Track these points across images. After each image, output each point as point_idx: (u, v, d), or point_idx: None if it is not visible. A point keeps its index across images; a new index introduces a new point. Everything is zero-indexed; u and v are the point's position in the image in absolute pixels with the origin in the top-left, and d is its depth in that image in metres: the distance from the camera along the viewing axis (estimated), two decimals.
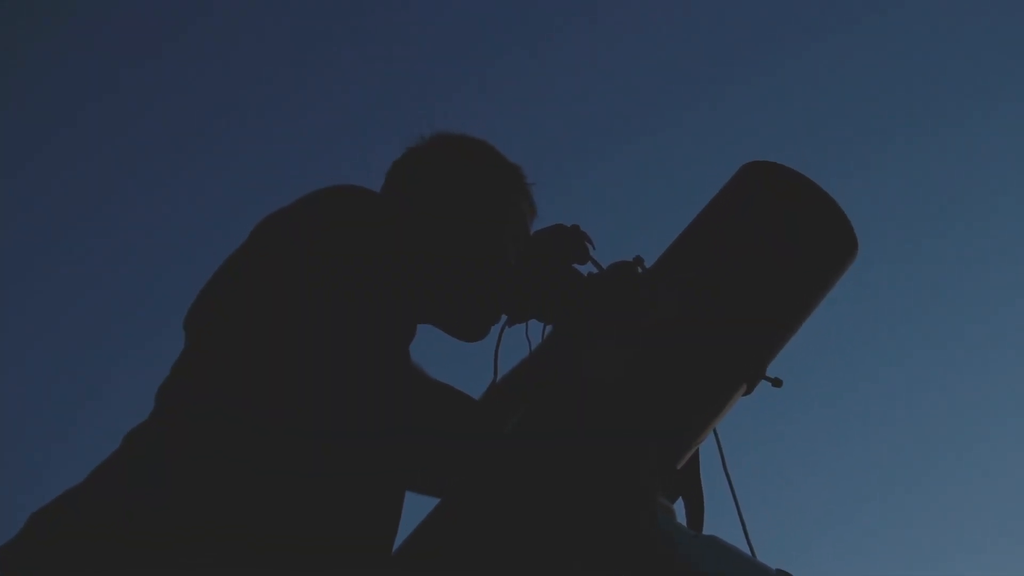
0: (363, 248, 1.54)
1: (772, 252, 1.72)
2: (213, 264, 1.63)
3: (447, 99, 5.57)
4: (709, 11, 5.78)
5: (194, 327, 1.60)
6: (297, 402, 1.47)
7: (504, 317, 1.81)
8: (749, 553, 1.65)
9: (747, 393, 1.73)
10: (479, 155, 1.90)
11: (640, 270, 1.73)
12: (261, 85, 5.73)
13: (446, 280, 1.57)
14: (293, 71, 5.71)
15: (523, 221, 1.88)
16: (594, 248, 1.80)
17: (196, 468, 1.41)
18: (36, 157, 5.50)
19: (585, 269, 1.77)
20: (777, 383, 1.72)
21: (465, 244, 1.77)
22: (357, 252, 1.53)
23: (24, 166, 5.50)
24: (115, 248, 5.64)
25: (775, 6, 5.74)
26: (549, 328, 1.82)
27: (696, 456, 1.77)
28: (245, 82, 5.71)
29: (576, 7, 5.79)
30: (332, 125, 5.74)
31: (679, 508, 1.70)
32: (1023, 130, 5.64)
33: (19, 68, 5.36)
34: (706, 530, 1.73)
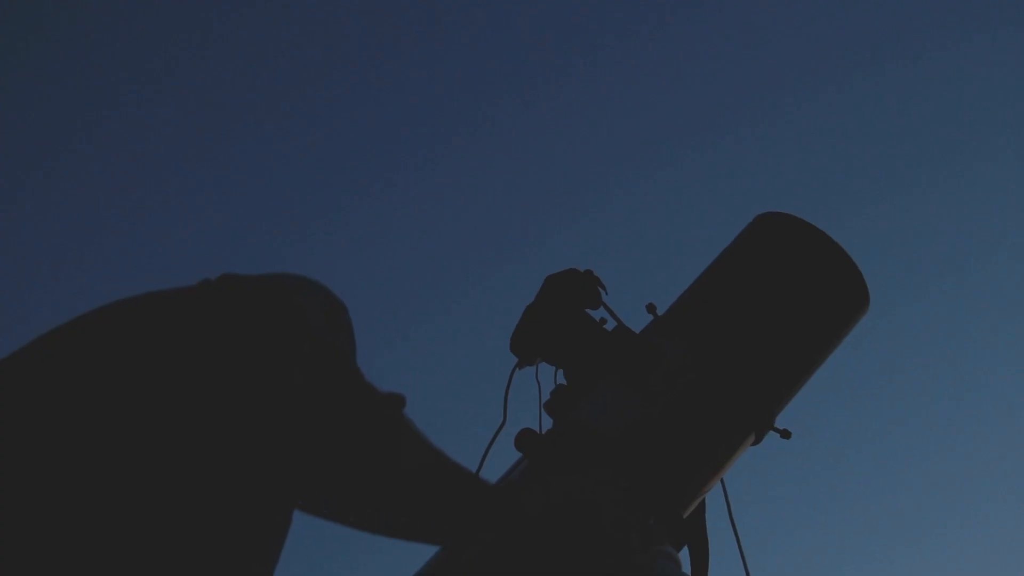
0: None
1: (783, 304, 1.73)
2: None
3: (458, 136, 5.62)
4: (726, 58, 5.83)
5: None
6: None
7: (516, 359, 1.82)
8: None
9: (755, 443, 1.73)
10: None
11: (653, 317, 1.75)
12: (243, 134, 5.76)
13: None
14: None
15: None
16: (607, 293, 1.81)
17: None
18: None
19: (598, 314, 1.78)
20: (786, 435, 1.73)
21: None
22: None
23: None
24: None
25: (787, 55, 5.78)
26: (560, 372, 1.82)
27: (703, 505, 1.77)
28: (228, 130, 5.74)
29: (595, 46, 5.83)
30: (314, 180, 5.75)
31: (684, 556, 1.70)
32: None
33: None
34: None
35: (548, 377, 1.83)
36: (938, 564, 5.62)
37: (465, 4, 5.80)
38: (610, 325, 1.78)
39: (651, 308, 1.75)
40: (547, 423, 1.76)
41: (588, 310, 1.78)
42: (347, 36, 5.78)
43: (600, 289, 1.80)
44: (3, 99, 5.46)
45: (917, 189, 5.72)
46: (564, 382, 1.82)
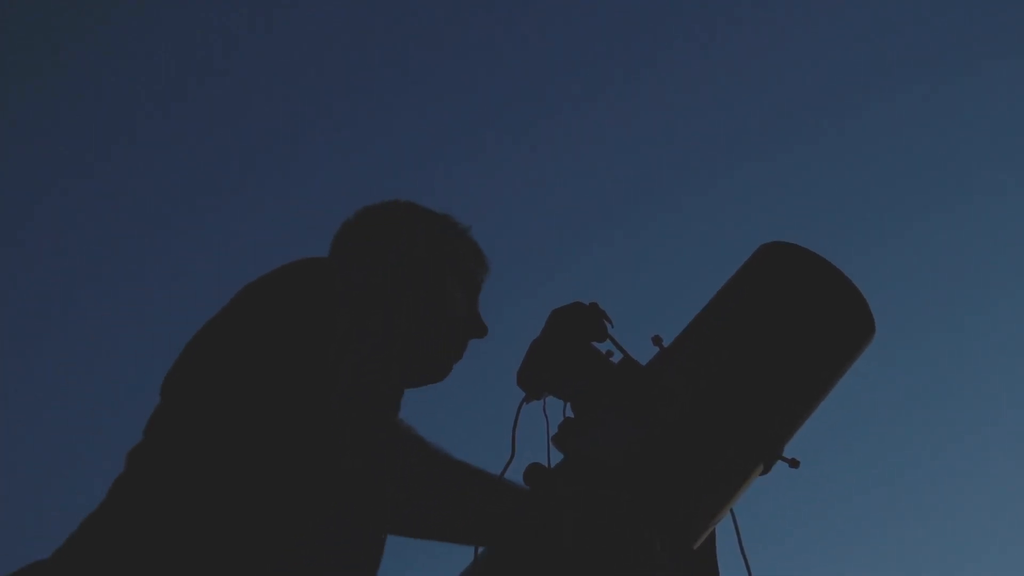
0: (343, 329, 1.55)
1: (789, 333, 1.73)
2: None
3: (461, 171, 5.63)
4: (730, 85, 5.85)
5: (171, 395, 1.61)
6: (257, 523, 1.48)
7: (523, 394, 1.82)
8: None
9: (764, 473, 1.73)
10: (404, 216, 1.94)
11: (659, 349, 1.75)
12: (253, 156, 5.79)
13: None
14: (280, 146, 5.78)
15: (465, 264, 1.93)
16: (612, 326, 1.81)
17: None
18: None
19: (604, 347, 1.79)
20: (794, 464, 1.73)
21: (419, 303, 1.82)
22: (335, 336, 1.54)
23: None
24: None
25: (792, 85, 5.81)
26: (567, 406, 1.82)
27: (713, 536, 1.76)
28: (238, 153, 5.78)
29: (601, 80, 5.86)
30: (321, 201, 5.78)
31: None
32: None
33: None
34: None
35: (556, 411, 1.83)
36: None
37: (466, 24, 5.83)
38: (616, 357, 1.78)
39: (656, 340, 1.75)
40: (556, 456, 1.76)
41: (594, 343, 1.79)
42: (346, 36, 5.82)
43: (605, 322, 1.80)
44: (59, 96, 5.53)
45: (924, 214, 5.73)
46: (572, 415, 1.82)
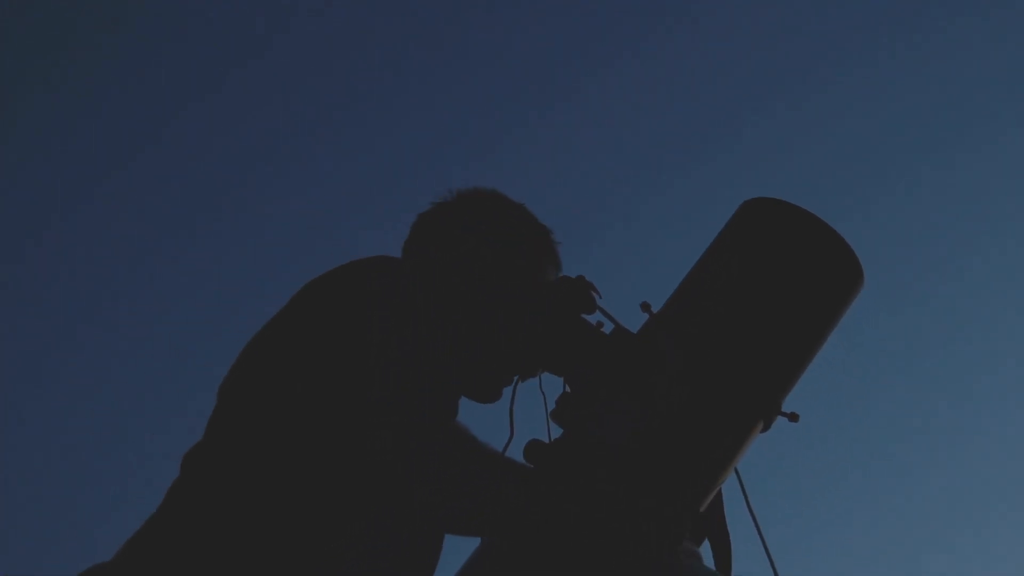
0: (403, 332, 1.53)
1: (777, 288, 1.73)
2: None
3: (442, 145, 5.62)
4: (710, 49, 5.83)
5: (226, 398, 1.62)
6: (312, 525, 1.49)
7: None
8: None
9: (764, 430, 1.73)
10: (512, 217, 1.86)
11: (649, 315, 1.74)
12: (270, 156, 5.79)
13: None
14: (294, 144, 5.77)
15: (547, 285, 1.84)
16: (601, 297, 1.81)
17: None
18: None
19: (594, 318, 1.78)
20: (794, 418, 1.73)
21: (490, 315, 1.76)
22: (397, 337, 1.52)
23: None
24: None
25: (769, 46, 5.79)
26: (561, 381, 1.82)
27: (719, 497, 1.76)
28: (256, 155, 5.78)
29: (581, 62, 5.84)
30: (337, 198, 5.77)
31: (706, 551, 1.70)
32: None
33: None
34: (735, 570, 1.73)
35: (552, 387, 1.83)
36: (966, 522, 5.59)
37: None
38: (608, 328, 1.78)
39: (645, 306, 1.75)
40: (556, 432, 1.76)
41: (584, 315, 1.78)
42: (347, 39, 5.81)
43: (593, 293, 1.80)
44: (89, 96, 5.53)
45: (916, 177, 5.71)
46: (569, 389, 1.82)
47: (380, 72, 5.76)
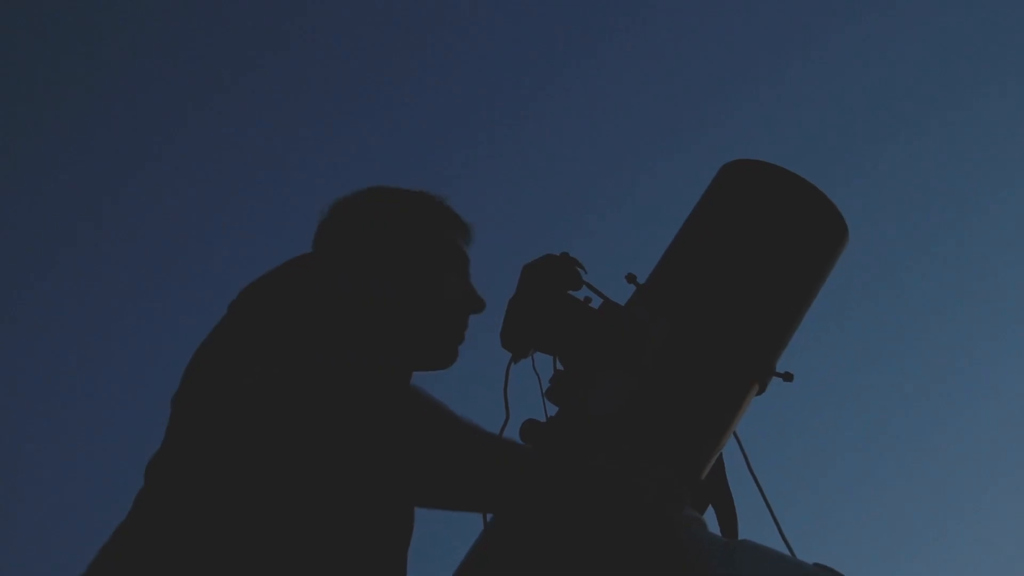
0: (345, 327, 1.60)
1: (762, 247, 1.73)
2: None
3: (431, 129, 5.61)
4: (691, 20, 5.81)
5: (180, 406, 1.64)
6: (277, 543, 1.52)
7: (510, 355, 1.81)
8: (787, 551, 1.64)
9: (760, 392, 1.72)
10: (393, 196, 1.93)
11: (635, 287, 1.74)
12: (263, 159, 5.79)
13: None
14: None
15: (455, 245, 1.91)
16: (586, 272, 1.80)
17: None
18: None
19: (581, 294, 1.77)
20: (788, 377, 1.72)
21: (409, 292, 1.81)
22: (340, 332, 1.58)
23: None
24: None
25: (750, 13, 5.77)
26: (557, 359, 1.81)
27: (721, 462, 1.76)
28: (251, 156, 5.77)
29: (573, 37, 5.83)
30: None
31: (711, 517, 1.70)
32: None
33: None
34: (741, 533, 1.73)
35: (545, 366, 1.82)
36: (961, 486, 5.61)
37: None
38: (596, 303, 1.77)
39: (631, 278, 1.75)
40: (552, 411, 1.75)
41: (571, 292, 1.77)
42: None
43: (579, 269, 1.79)
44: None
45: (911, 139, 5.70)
46: (562, 368, 1.81)
47: (380, 72, 5.77)
